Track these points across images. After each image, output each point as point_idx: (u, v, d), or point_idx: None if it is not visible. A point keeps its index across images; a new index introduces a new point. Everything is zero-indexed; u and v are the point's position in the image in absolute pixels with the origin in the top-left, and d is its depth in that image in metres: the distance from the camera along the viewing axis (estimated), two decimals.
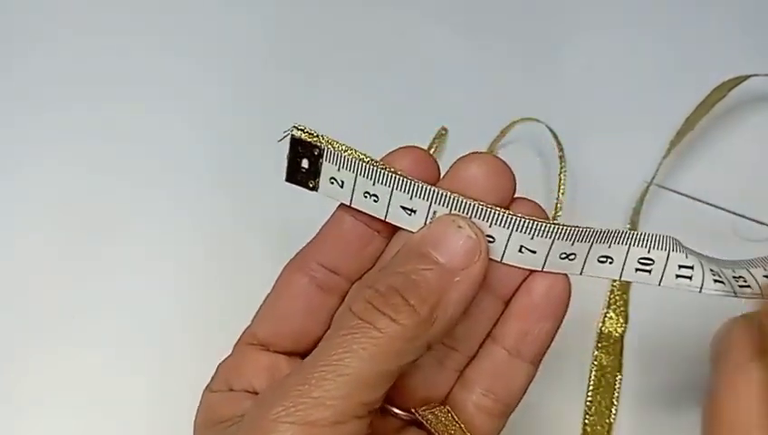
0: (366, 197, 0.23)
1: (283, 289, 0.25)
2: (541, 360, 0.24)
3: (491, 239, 0.22)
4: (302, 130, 0.23)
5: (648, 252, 0.22)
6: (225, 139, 0.40)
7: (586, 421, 0.34)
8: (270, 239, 0.37)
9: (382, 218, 0.23)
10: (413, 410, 0.23)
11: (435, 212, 0.22)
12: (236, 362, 0.25)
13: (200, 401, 0.25)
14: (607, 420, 0.34)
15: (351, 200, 0.23)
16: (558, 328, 0.24)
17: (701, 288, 0.23)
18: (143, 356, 0.35)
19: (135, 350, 0.35)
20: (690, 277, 0.23)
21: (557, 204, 0.37)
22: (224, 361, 0.25)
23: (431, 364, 0.24)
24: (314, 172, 0.23)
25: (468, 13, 0.45)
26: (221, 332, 0.34)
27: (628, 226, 0.37)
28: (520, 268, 0.23)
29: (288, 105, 0.41)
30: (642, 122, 0.41)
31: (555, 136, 0.38)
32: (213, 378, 0.25)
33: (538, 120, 0.39)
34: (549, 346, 0.24)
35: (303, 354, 0.24)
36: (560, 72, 0.43)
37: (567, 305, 0.23)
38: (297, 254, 0.25)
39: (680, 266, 0.23)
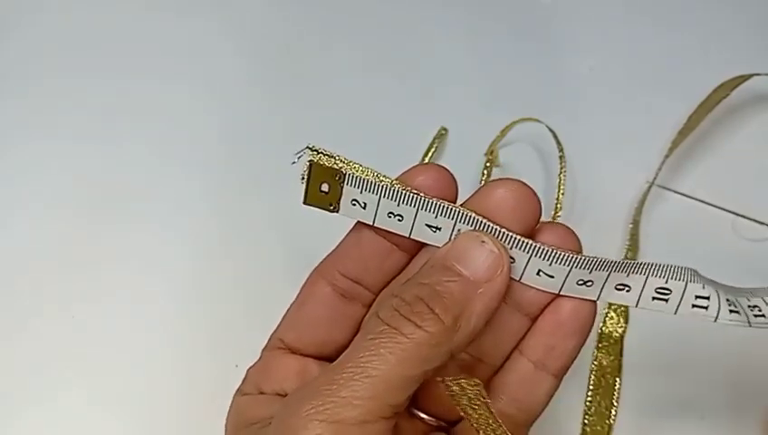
0: (390, 217, 0.23)
1: (307, 296, 0.26)
2: (564, 374, 0.25)
3: (511, 260, 0.23)
4: (317, 151, 0.23)
5: (666, 282, 0.23)
6: (226, 141, 0.40)
7: (585, 422, 0.34)
8: (276, 237, 0.37)
9: (407, 236, 0.24)
10: (440, 379, 0.23)
11: (459, 230, 0.23)
12: (266, 365, 0.26)
13: (231, 405, 0.26)
14: (606, 422, 0.34)
15: (375, 220, 0.24)
16: (582, 345, 0.24)
17: (716, 318, 0.23)
18: (143, 355, 0.34)
19: (135, 349, 0.35)
20: (706, 307, 0.23)
21: (557, 204, 0.37)
22: (253, 365, 0.26)
23: (458, 374, 0.25)
24: (335, 195, 0.24)
25: (468, 13, 0.45)
26: (222, 332, 0.35)
27: (631, 225, 0.37)
28: (537, 290, 0.24)
29: (288, 105, 0.41)
30: (642, 122, 0.41)
31: (555, 136, 0.38)
32: (243, 381, 0.26)
33: (538, 121, 0.39)
34: (573, 361, 0.25)
35: (331, 358, 0.25)
36: (560, 71, 0.43)
37: (592, 324, 0.24)
38: (321, 262, 0.26)
39: (697, 297, 0.23)
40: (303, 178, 0.24)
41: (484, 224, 0.23)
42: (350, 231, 0.25)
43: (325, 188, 0.24)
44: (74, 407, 0.33)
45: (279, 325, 0.26)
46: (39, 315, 0.35)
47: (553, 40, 0.44)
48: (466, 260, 0.22)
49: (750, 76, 0.39)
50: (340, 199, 0.24)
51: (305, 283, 0.26)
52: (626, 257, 0.37)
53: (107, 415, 0.33)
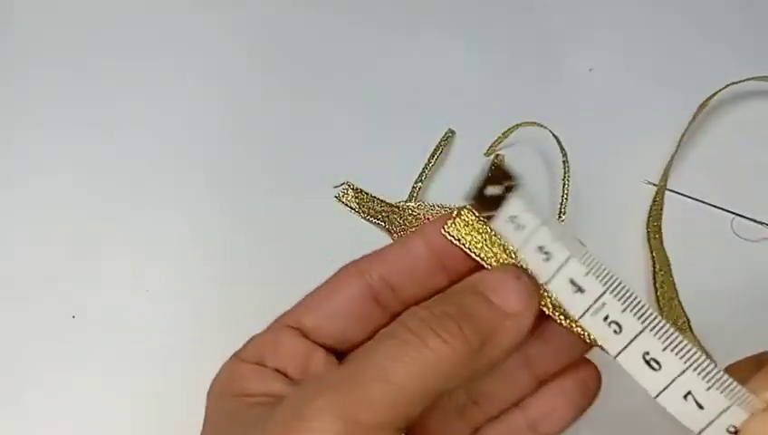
0: (537, 251, 0.21)
1: (338, 287, 0.25)
2: None
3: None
4: (498, 163, 0.22)
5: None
6: (227, 141, 0.40)
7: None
8: (269, 242, 0.37)
9: (543, 283, 0.21)
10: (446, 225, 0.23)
11: (604, 304, 0.20)
12: (274, 338, 0.25)
13: (223, 367, 0.24)
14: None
15: (521, 247, 0.21)
16: (578, 418, 0.25)
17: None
18: (144, 355, 0.34)
19: (135, 351, 0.35)
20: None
21: (560, 210, 0.37)
22: (259, 334, 0.25)
23: (452, 411, 0.25)
24: (496, 202, 0.21)
25: (469, 14, 0.45)
26: (222, 332, 0.35)
27: (648, 230, 0.37)
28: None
29: (290, 110, 0.41)
30: (642, 122, 0.41)
31: (559, 142, 0.38)
32: (244, 348, 0.25)
33: (541, 126, 0.39)
34: (564, 430, 0.25)
35: (339, 353, 0.25)
36: (560, 72, 0.43)
37: (593, 400, 0.25)
38: (361, 258, 0.25)
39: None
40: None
41: (642, 310, 0.19)
42: (404, 238, 0.25)
43: (491, 191, 0.21)
44: (75, 407, 0.33)
45: (298, 305, 0.25)
46: (39, 315, 0.35)
47: (553, 40, 0.44)
48: (499, 290, 0.22)
49: (739, 82, 0.40)
50: (497, 209, 0.21)
51: (338, 273, 0.25)
52: (656, 273, 0.36)
53: (107, 415, 0.33)
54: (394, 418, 0.20)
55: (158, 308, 0.36)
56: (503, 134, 0.39)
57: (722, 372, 0.18)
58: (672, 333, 0.18)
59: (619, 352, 0.19)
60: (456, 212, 0.23)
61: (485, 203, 0.21)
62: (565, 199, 0.37)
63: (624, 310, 0.19)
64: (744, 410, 0.18)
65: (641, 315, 0.19)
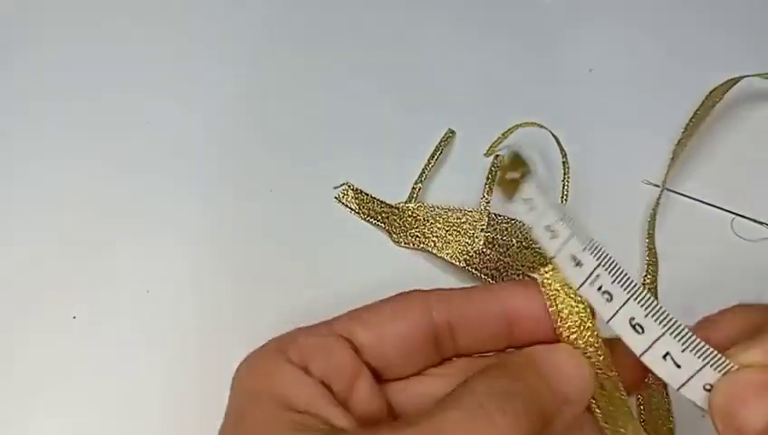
0: (546, 230, 0.23)
1: (402, 314, 0.24)
2: None
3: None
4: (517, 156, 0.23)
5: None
6: (227, 141, 0.40)
7: None
8: (270, 242, 0.37)
9: (551, 257, 0.23)
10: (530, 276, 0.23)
11: (598, 275, 0.22)
12: (325, 345, 0.23)
13: (260, 359, 0.23)
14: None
15: (534, 224, 0.23)
16: None
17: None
18: (144, 355, 0.34)
19: (135, 351, 0.35)
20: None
21: None
22: (305, 335, 0.23)
23: None
24: (516, 186, 0.23)
25: (469, 14, 0.45)
26: (222, 332, 0.35)
27: (647, 240, 0.37)
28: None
29: (290, 110, 0.41)
30: (642, 123, 0.41)
31: (559, 142, 0.38)
32: (290, 344, 0.23)
33: (541, 126, 0.39)
34: None
35: (379, 379, 0.24)
36: (560, 72, 0.43)
37: None
38: (427, 291, 0.24)
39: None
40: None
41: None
42: (474, 289, 0.25)
43: (512, 175, 0.23)
44: (74, 407, 0.33)
45: (351, 317, 0.24)
46: (39, 315, 0.35)
47: (553, 41, 0.44)
48: (562, 377, 0.22)
49: (740, 78, 0.39)
50: (517, 191, 0.23)
51: (402, 298, 0.24)
52: (647, 274, 0.36)
53: (107, 415, 0.33)
54: None
55: (158, 308, 0.36)
56: (503, 134, 0.39)
57: (695, 336, 0.21)
58: (653, 302, 0.21)
59: (611, 318, 0.22)
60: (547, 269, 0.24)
61: (507, 187, 0.23)
62: (565, 200, 0.37)
63: (613, 281, 0.22)
64: (717, 370, 0.20)
65: (627, 286, 0.22)
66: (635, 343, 0.21)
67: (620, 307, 0.22)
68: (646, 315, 0.21)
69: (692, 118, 0.39)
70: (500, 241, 0.36)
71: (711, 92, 0.40)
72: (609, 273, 0.22)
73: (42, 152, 0.40)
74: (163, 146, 0.40)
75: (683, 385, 0.21)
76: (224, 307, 0.36)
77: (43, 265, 0.36)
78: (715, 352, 0.21)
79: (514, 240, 0.36)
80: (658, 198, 0.38)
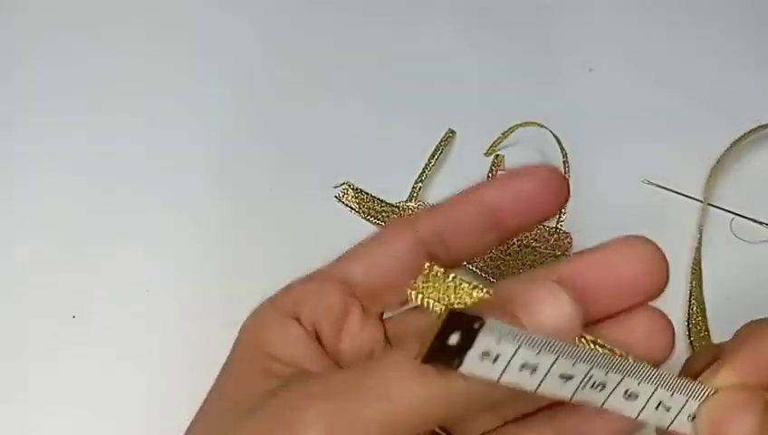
0: (522, 369, 0.19)
1: (388, 238, 0.24)
2: None
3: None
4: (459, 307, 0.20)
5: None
6: (227, 141, 0.40)
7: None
8: (269, 242, 0.37)
9: (532, 391, 0.20)
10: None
11: (591, 376, 0.20)
12: (317, 289, 0.23)
13: (256, 311, 0.23)
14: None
15: (500, 378, 0.19)
16: None
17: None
18: (144, 356, 0.34)
19: (135, 351, 0.35)
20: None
21: (560, 210, 0.37)
22: (299, 282, 0.23)
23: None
24: (463, 348, 0.18)
25: (469, 14, 0.45)
26: (222, 333, 0.35)
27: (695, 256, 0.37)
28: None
29: (290, 111, 0.41)
30: (642, 123, 0.41)
31: (559, 142, 0.38)
32: (281, 293, 0.23)
33: (541, 126, 0.39)
34: None
35: (378, 310, 0.24)
36: (560, 72, 0.43)
37: None
38: (408, 215, 0.24)
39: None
40: (433, 331, 0.18)
41: (623, 366, 0.20)
42: (452, 196, 0.24)
43: (454, 340, 0.18)
44: (74, 407, 0.33)
45: (342, 257, 0.24)
46: (39, 315, 0.35)
47: (553, 40, 0.44)
48: (534, 312, 0.20)
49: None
50: (466, 353, 0.18)
51: (386, 226, 0.24)
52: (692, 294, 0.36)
53: (107, 415, 0.33)
54: None
55: (158, 308, 0.36)
56: (503, 134, 0.39)
57: (680, 378, 0.21)
58: (644, 367, 0.21)
59: (605, 401, 0.21)
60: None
61: (448, 354, 0.18)
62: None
63: (607, 373, 0.20)
64: (697, 399, 0.21)
65: (621, 369, 0.21)
66: (631, 410, 0.21)
67: (615, 387, 0.21)
68: (639, 383, 0.21)
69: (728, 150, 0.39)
70: (515, 242, 0.36)
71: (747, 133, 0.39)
72: (603, 368, 0.20)
73: (41, 151, 0.40)
74: (163, 146, 0.40)
75: (671, 423, 0.21)
76: (223, 307, 0.35)
77: (43, 266, 0.36)
78: (692, 382, 0.21)
79: (515, 239, 0.36)
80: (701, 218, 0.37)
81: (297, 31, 0.44)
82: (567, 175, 0.37)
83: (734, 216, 0.38)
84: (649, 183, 0.39)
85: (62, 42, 0.44)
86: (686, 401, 0.21)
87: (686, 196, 0.39)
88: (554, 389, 0.20)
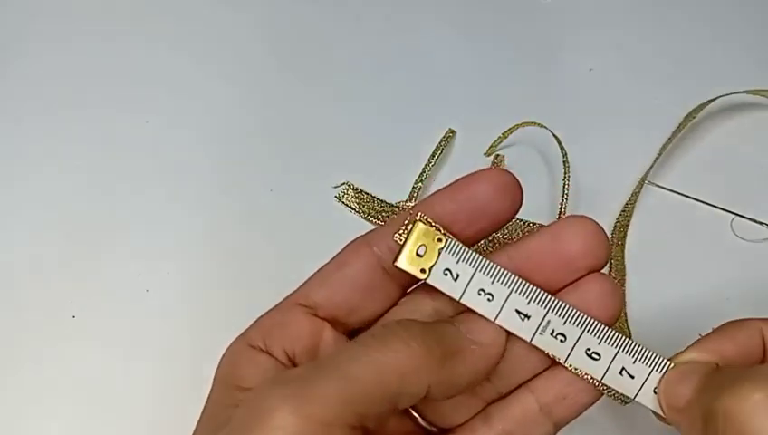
0: (480, 294, 0.23)
1: (346, 259, 0.25)
2: (563, 426, 0.25)
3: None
4: (423, 221, 0.23)
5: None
6: (227, 140, 0.40)
7: None
8: (269, 242, 0.37)
9: (491, 319, 0.23)
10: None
11: (549, 321, 0.23)
12: (282, 318, 0.24)
13: (228, 350, 0.24)
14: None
15: (462, 296, 0.23)
16: (593, 404, 0.24)
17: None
18: (144, 356, 0.34)
19: (135, 351, 0.35)
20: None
21: (561, 210, 0.37)
22: (267, 314, 0.25)
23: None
24: (429, 259, 0.23)
25: (469, 14, 0.45)
26: (222, 333, 0.35)
27: (617, 221, 0.37)
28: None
29: (290, 110, 0.41)
30: (642, 123, 0.41)
31: (559, 141, 0.38)
32: (250, 328, 0.25)
33: (542, 126, 0.39)
34: (576, 417, 0.24)
35: (351, 330, 0.25)
36: (560, 72, 0.43)
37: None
38: (369, 232, 0.25)
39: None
40: (400, 236, 0.23)
41: (578, 317, 0.23)
42: (408, 210, 0.25)
43: (422, 250, 0.23)
44: (74, 406, 0.33)
45: (305, 283, 0.25)
46: (39, 315, 0.35)
47: (553, 40, 0.44)
48: (473, 330, 0.23)
49: (714, 99, 0.40)
50: (434, 266, 0.23)
51: (347, 247, 0.25)
52: (613, 260, 0.37)
53: (107, 415, 0.33)
54: (347, 413, 0.20)
55: (158, 308, 0.36)
56: (503, 134, 0.39)
57: (643, 347, 0.23)
58: (603, 328, 0.23)
59: (568, 356, 0.23)
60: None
61: (418, 262, 0.23)
62: (565, 199, 0.37)
63: (564, 322, 0.23)
64: (661, 372, 0.23)
65: (577, 322, 0.23)
66: (594, 369, 0.23)
67: (576, 342, 0.23)
68: (600, 342, 0.23)
69: (678, 128, 0.40)
70: (501, 239, 0.36)
71: (690, 112, 0.40)
72: (559, 314, 0.23)
73: (41, 151, 0.40)
74: (163, 146, 0.40)
75: (637, 393, 0.23)
76: (223, 307, 0.36)
77: (43, 266, 0.36)
78: (650, 351, 0.23)
79: (515, 238, 0.36)
80: (630, 197, 0.38)
81: (297, 31, 0.44)
82: (567, 176, 0.37)
83: (734, 216, 0.38)
84: (650, 183, 0.39)
85: (62, 40, 0.44)
86: (650, 372, 0.23)
87: (687, 196, 0.39)
88: (514, 325, 0.23)
